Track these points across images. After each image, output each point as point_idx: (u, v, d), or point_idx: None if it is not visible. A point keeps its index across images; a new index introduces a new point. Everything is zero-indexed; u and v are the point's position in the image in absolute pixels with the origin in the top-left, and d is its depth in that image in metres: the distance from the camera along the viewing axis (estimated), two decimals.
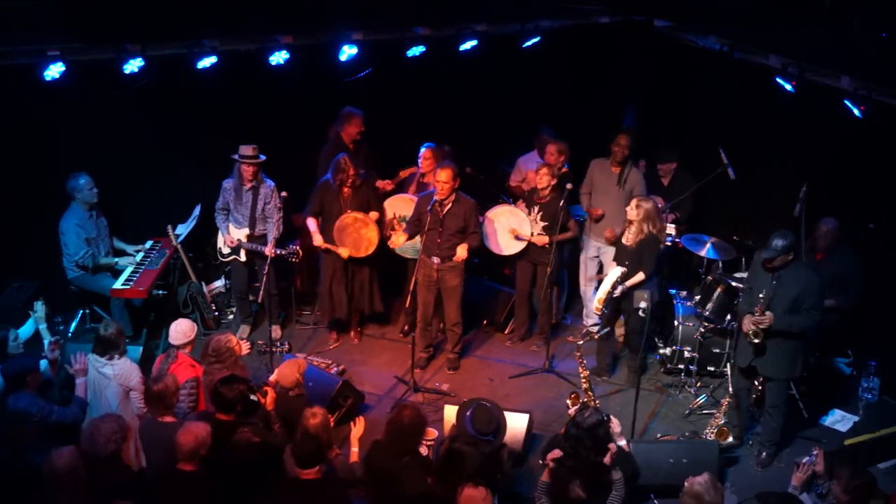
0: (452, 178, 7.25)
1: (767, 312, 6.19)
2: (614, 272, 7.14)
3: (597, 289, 7.56)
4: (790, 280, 6.19)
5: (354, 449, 5.64)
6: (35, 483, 5.01)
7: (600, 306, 7.16)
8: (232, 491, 5.02)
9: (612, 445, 5.39)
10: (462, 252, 7.35)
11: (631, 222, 7.19)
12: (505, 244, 7.90)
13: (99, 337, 6.19)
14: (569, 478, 5.14)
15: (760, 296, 6.17)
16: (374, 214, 7.78)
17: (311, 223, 7.76)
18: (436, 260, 7.45)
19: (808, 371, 7.28)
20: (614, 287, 7.11)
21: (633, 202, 7.18)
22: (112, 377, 6.10)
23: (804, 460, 5.43)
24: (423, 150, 8.08)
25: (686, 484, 4.92)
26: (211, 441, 5.05)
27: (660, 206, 8.06)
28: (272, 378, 6.24)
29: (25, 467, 5.22)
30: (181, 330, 6.18)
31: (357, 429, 5.71)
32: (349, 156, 7.69)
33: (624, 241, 7.30)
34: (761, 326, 6.22)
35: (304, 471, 4.96)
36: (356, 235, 7.70)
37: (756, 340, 6.27)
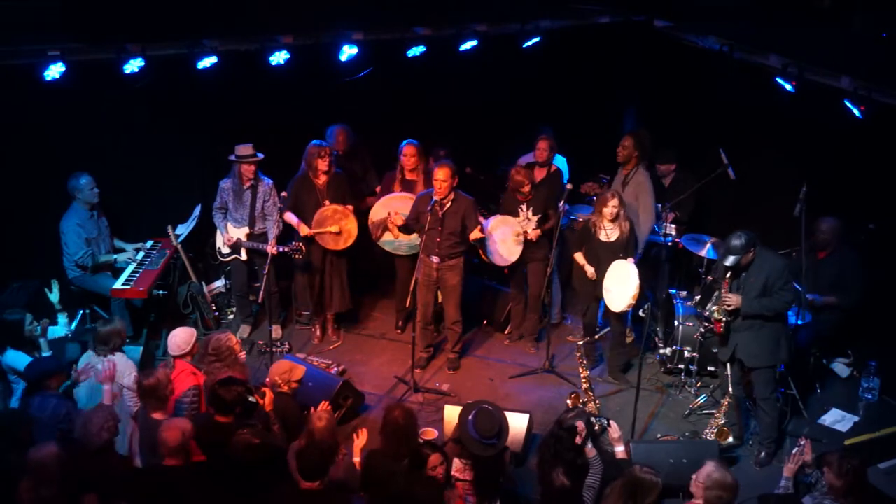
0: (451, 177, 7.24)
1: (732, 294, 6.24)
2: (631, 266, 7.16)
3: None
4: (756, 268, 6.23)
5: (357, 459, 5.64)
6: None
7: (633, 302, 7.14)
8: (233, 492, 5.02)
9: (579, 424, 5.37)
10: (476, 233, 7.36)
11: (608, 219, 7.24)
12: (507, 252, 7.85)
13: (94, 333, 6.26)
14: (552, 468, 5.18)
15: (728, 269, 6.20)
16: (350, 206, 7.79)
17: (291, 216, 7.76)
18: (435, 259, 7.45)
19: (808, 370, 7.32)
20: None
21: (614, 200, 7.21)
22: None
23: (793, 451, 5.46)
24: (404, 146, 7.98)
25: (701, 477, 4.89)
26: (194, 435, 5.08)
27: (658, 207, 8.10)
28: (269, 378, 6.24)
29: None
30: (176, 343, 6.16)
31: (361, 440, 5.71)
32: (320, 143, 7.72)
33: (604, 238, 7.32)
34: (727, 306, 6.26)
35: (305, 482, 4.93)
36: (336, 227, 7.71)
37: (720, 318, 6.31)
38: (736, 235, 6.17)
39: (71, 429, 5.53)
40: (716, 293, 6.63)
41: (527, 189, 7.70)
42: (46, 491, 4.78)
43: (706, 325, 7.38)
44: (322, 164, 7.59)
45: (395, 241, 7.87)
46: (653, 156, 8.43)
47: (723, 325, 6.41)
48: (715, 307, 6.41)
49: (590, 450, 5.34)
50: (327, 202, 7.68)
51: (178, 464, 5.03)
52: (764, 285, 6.21)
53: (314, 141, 7.71)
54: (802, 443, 5.46)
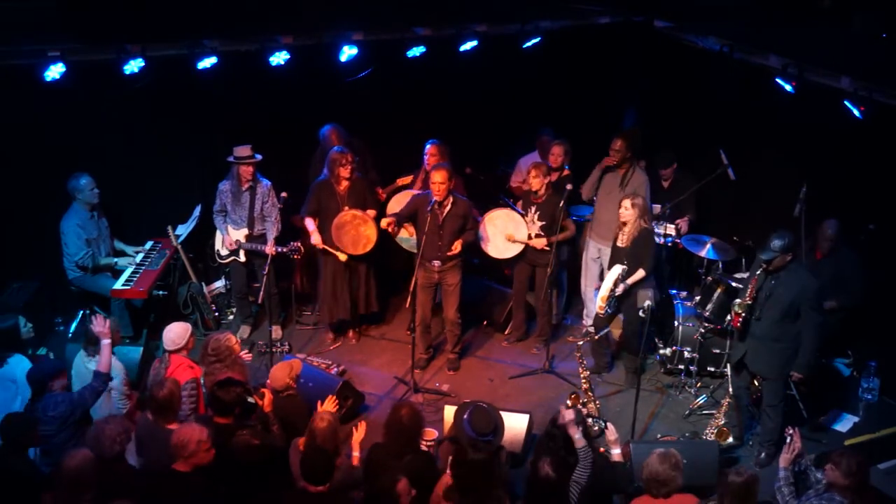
0: (448, 179, 7.24)
1: (794, 373, 6.36)
2: (615, 270, 7.13)
3: (597, 289, 7.56)
4: (788, 282, 6.21)
5: (356, 453, 5.64)
6: (36, 483, 5.05)
7: (603, 304, 7.14)
8: (233, 493, 5.02)
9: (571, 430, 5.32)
10: (457, 246, 7.37)
11: (625, 223, 7.19)
12: (502, 247, 7.87)
13: (85, 332, 6.26)
14: (538, 458, 5.18)
15: (762, 264, 6.24)
16: (371, 212, 7.78)
17: (309, 223, 7.75)
18: (436, 263, 7.45)
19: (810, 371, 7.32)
20: (616, 285, 7.11)
21: (626, 202, 7.16)
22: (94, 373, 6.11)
23: (787, 442, 5.50)
24: (427, 146, 8.08)
25: (657, 467, 4.94)
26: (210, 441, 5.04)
27: (657, 210, 8.09)
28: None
29: (28, 468, 5.26)
30: (171, 338, 6.15)
31: (359, 433, 5.71)
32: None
33: (619, 243, 7.29)
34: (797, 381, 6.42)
35: (311, 486, 4.92)
36: (354, 233, 7.69)
37: (741, 311, 6.34)
38: (779, 235, 6.16)
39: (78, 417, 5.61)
40: (740, 290, 6.65)
41: (536, 187, 7.68)
42: (88, 495, 4.79)
43: (706, 325, 7.39)
44: (344, 172, 7.59)
45: (410, 239, 7.85)
46: (652, 160, 8.43)
47: (741, 318, 6.40)
48: (738, 300, 6.40)
49: (578, 439, 5.28)
50: (347, 208, 7.68)
51: (187, 470, 4.99)
52: (791, 302, 6.20)
53: (336, 147, 7.71)
54: (791, 432, 5.52)
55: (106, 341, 5.89)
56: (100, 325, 5.95)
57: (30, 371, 5.86)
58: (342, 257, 7.68)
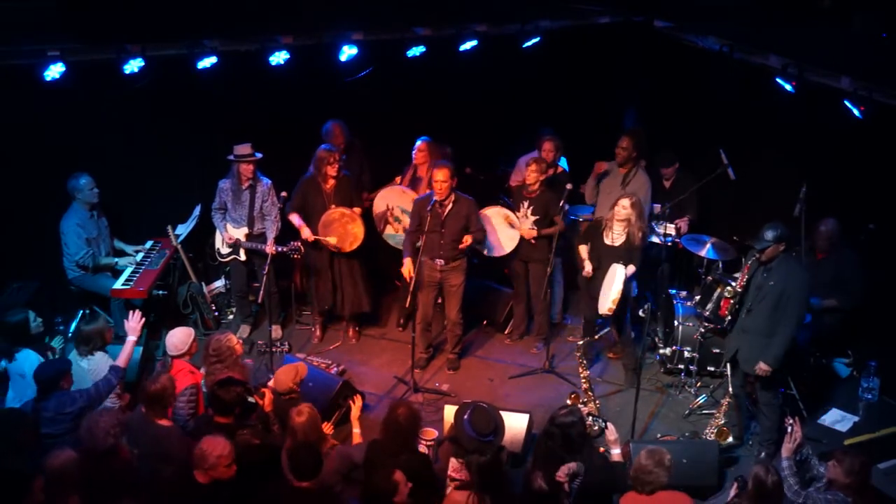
0: (450, 177, 7.24)
1: (761, 364, 6.29)
2: (621, 271, 7.12)
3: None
4: (780, 272, 6.24)
5: (356, 430, 5.64)
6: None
7: (614, 307, 7.13)
8: (233, 492, 5.01)
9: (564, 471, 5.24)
10: (468, 239, 7.35)
11: (621, 221, 7.17)
12: (500, 241, 7.88)
13: (78, 331, 6.28)
14: (533, 470, 5.19)
15: (755, 253, 6.28)
16: (357, 210, 7.78)
17: (296, 218, 7.74)
18: (440, 262, 7.44)
19: (808, 370, 7.32)
20: (625, 286, 7.12)
21: (624, 201, 7.15)
22: (87, 371, 6.11)
23: (787, 431, 5.53)
24: (418, 142, 8.09)
25: (642, 462, 5.01)
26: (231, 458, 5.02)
27: (657, 210, 8.09)
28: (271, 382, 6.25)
29: (26, 467, 5.25)
30: (173, 343, 6.16)
31: (356, 408, 5.71)
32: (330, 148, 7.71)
33: (608, 241, 7.29)
34: (761, 374, 6.38)
35: (297, 481, 4.92)
36: (342, 230, 7.69)
37: (730, 297, 6.42)
38: (771, 225, 6.22)
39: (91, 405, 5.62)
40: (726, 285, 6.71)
41: (530, 181, 7.68)
42: (75, 495, 4.80)
43: (706, 325, 7.39)
44: (331, 170, 7.59)
45: (396, 236, 7.87)
46: (654, 159, 8.43)
47: (729, 306, 6.42)
48: (729, 287, 6.44)
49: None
50: (334, 206, 7.67)
51: (204, 481, 4.96)
52: (782, 292, 6.22)
53: (324, 145, 7.72)
54: (791, 422, 5.54)
55: (132, 337, 5.98)
56: (135, 320, 6.02)
57: (38, 370, 5.84)
58: (332, 241, 7.64)
